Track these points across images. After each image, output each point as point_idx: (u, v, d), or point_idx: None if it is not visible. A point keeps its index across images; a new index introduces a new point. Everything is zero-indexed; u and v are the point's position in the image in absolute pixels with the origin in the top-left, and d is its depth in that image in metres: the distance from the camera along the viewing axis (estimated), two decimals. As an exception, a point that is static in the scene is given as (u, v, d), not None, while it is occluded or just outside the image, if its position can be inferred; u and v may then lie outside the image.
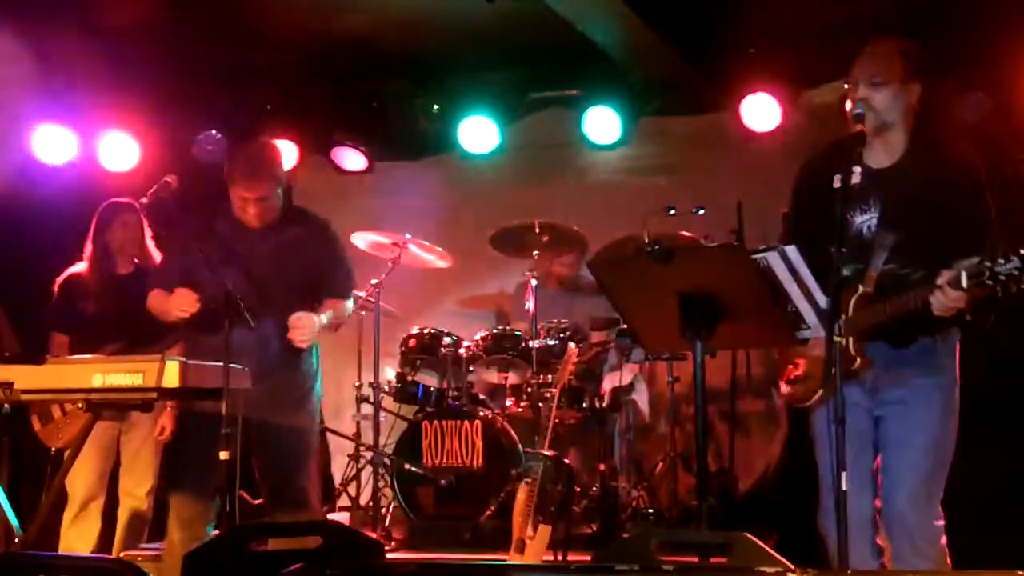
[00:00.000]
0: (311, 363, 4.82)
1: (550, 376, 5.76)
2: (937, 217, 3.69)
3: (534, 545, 5.04)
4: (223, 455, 4.19)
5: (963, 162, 3.75)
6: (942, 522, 3.75)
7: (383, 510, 6.37)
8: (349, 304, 5.01)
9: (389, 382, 6.73)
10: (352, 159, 7.92)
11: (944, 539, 3.74)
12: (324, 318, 4.74)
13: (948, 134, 3.87)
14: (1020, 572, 2.35)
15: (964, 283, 3.39)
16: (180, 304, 4.54)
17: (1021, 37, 5.74)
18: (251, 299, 4.44)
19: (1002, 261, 3.30)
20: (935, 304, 3.48)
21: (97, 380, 4.10)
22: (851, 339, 3.69)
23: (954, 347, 3.82)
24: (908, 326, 3.69)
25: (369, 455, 6.54)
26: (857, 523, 3.71)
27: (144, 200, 4.57)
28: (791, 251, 3.50)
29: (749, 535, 2.78)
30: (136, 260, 5.65)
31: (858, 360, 3.71)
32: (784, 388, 3.97)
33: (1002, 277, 3.30)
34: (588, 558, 5.08)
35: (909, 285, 3.65)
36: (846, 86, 3.80)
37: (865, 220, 3.79)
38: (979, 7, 5.83)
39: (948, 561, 3.74)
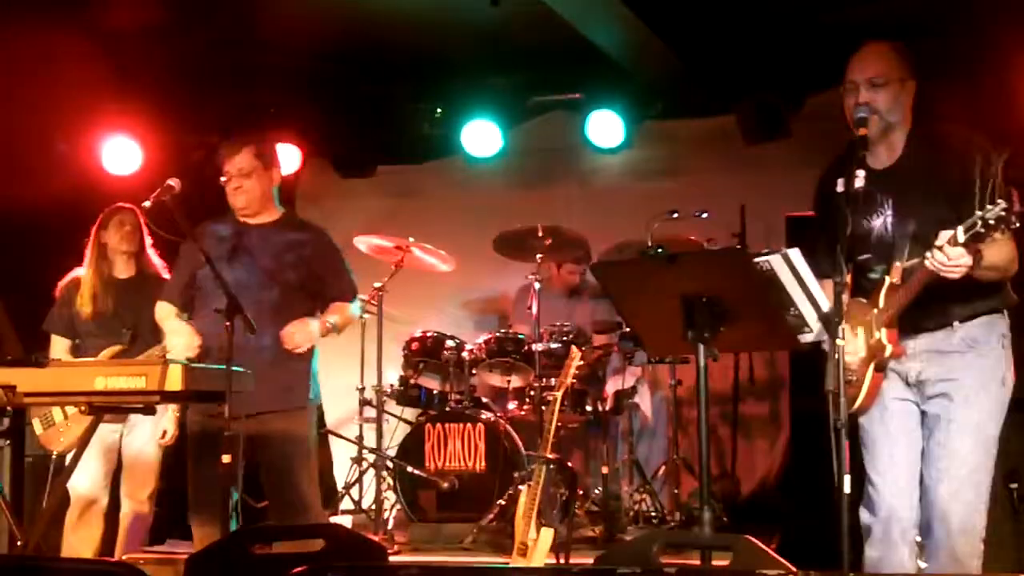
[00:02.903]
0: (308, 367, 4.83)
1: (553, 379, 5.75)
2: (946, 202, 3.67)
3: (536, 548, 5.03)
4: (225, 458, 4.19)
5: (959, 142, 3.74)
6: (984, 520, 3.69)
7: (385, 513, 6.37)
8: (354, 307, 5.00)
9: (392, 385, 6.74)
10: (355, 163, 7.91)
11: (982, 546, 3.68)
12: (331, 320, 4.78)
13: (943, 123, 3.86)
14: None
15: (961, 237, 3.40)
16: (183, 349, 4.62)
17: (1021, 37, 5.73)
18: (245, 300, 4.43)
19: (989, 207, 3.35)
20: (932, 264, 3.46)
21: (99, 383, 4.08)
22: (883, 330, 3.67)
23: (1000, 335, 3.78)
24: (944, 309, 3.68)
25: (372, 458, 6.54)
26: (900, 525, 3.74)
27: (146, 203, 4.55)
28: (794, 254, 3.51)
29: (751, 538, 2.77)
30: (136, 265, 5.64)
31: (889, 348, 3.68)
32: None
33: (991, 222, 3.34)
34: (590, 561, 5.06)
35: None
36: (843, 89, 3.79)
37: (881, 221, 3.79)
38: (979, 7, 5.82)
39: (979, 563, 3.68)
